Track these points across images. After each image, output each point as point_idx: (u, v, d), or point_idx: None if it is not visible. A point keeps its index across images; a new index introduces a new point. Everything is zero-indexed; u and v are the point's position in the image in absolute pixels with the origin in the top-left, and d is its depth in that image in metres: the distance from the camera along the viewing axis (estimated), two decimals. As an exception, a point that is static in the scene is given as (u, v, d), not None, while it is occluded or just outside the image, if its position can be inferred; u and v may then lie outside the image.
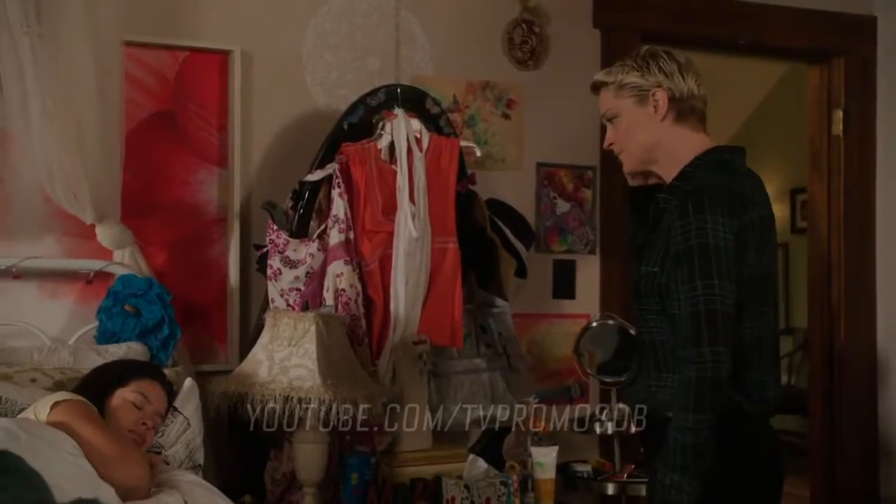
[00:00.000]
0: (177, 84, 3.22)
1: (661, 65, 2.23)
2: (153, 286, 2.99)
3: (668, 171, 2.28)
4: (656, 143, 2.26)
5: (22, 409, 2.49)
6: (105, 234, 3.02)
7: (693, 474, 2.10)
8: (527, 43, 3.75)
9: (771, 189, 7.72)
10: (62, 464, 2.14)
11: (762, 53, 4.49)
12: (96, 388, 2.59)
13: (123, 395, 2.56)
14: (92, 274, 3.04)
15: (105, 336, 2.98)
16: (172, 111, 3.21)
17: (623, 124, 2.28)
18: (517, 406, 3.41)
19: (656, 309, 2.24)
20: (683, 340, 2.11)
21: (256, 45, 3.32)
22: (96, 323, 3.00)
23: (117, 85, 2.90)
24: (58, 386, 2.70)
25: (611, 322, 3.64)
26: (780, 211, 8.42)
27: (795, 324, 7.81)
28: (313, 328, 2.84)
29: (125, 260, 3.06)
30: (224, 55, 3.26)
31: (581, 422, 3.58)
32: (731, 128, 8.73)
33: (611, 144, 2.34)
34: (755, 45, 4.23)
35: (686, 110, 2.25)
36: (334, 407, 2.78)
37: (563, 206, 3.82)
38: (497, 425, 3.43)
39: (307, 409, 2.77)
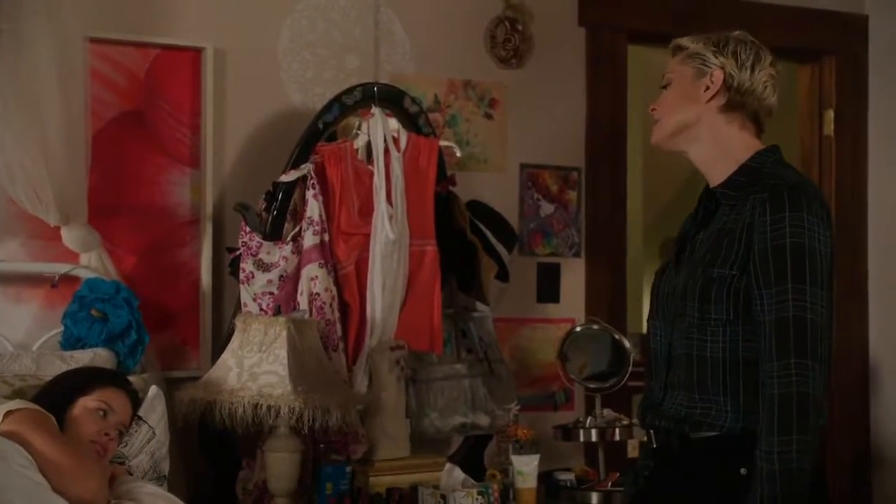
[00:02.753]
0: (147, 82, 3.13)
1: (739, 50, 2.10)
2: (120, 290, 2.90)
3: (708, 160, 2.13)
4: (694, 123, 2.12)
5: (-24, 419, 2.39)
6: (71, 237, 2.93)
7: None
8: (510, 41, 3.67)
9: (764, 191, 7.57)
10: (12, 476, 2.05)
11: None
12: (57, 396, 2.50)
13: (86, 404, 2.47)
14: (57, 277, 2.95)
15: (70, 342, 2.89)
16: (143, 110, 3.13)
17: (672, 93, 2.15)
18: (498, 413, 3.34)
19: (725, 318, 1.99)
20: (767, 352, 1.91)
21: (230, 43, 3.24)
22: (61, 328, 2.91)
23: (82, 83, 2.81)
24: (17, 394, 2.60)
25: (596, 327, 3.57)
26: (774, 214, 8.35)
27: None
28: (284, 333, 2.77)
29: (92, 263, 2.97)
30: (196, 52, 3.18)
31: (565, 429, 3.50)
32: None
33: (653, 109, 2.20)
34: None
35: (737, 104, 2.10)
36: (305, 414, 2.70)
37: (547, 208, 3.74)
38: (478, 433, 3.36)
39: (277, 416, 2.69)
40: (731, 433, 1.98)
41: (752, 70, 2.10)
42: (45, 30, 2.69)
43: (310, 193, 3.05)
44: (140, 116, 3.12)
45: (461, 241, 3.31)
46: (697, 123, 2.12)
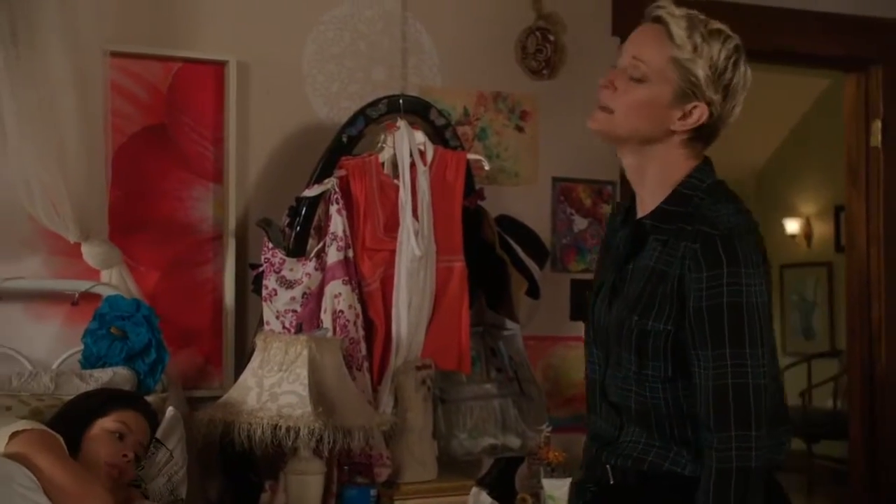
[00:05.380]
0: (170, 96, 3.08)
1: (729, 80, 1.79)
2: (141, 308, 2.85)
3: (647, 184, 1.88)
4: (650, 142, 1.83)
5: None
6: (91, 254, 2.89)
7: None
8: (541, 52, 3.58)
9: (814, 206, 7.55)
10: (15, 499, 2.00)
11: (794, 63, 4.29)
12: (75, 417, 2.45)
13: (103, 426, 2.42)
14: (77, 295, 2.90)
15: (90, 360, 2.84)
16: (165, 124, 3.08)
17: (642, 95, 1.80)
18: (530, 434, 3.25)
19: (663, 375, 1.82)
20: (705, 418, 1.74)
21: (254, 56, 3.18)
22: (82, 347, 2.86)
23: (101, 97, 2.77)
24: (34, 414, 2.56)
25: (631, 345, 3.45)
26: (823, 229, 8.19)
27: (840, 346, 7.53)
28: (305, 352, 2.71)
29: (112, 280, 2.92)
30: (219, 66, 3.13)
31: (600, 451, 3.38)
32: (772, 142, 8.50)
33: (609, 87, 1.86)
34: (786, 54, 4.02)
35: (705, 135, 1.85)
36: (326, 436, 2.63)
37: (580, 223, 3.64)
38: (509, 455, 3.27)
39: (297, 438, 2.62)
40: (693, 475, 1.81)
41: (736, 100, 1.84)
42: (62, 44, 2.66)
43: (333, 208, 2.99)
44: (163, 131, 3.08)
45: (490, 256, 3.22)
46: (654, 144, 1.84)
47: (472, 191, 3.21)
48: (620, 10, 3.69)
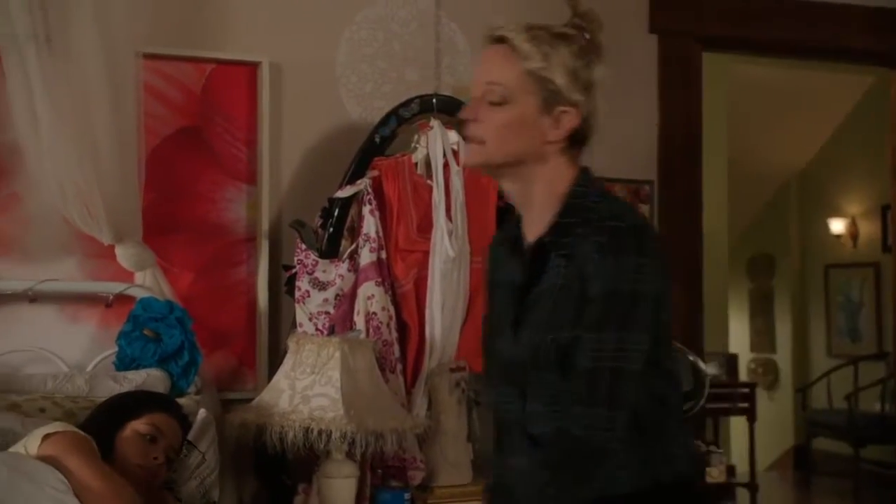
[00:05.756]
0: (203, 98, 3.08)
1: (590, 78, 1.75)
2: (174, 310, 2.85)
3: (535, 204, 1.78)
4: (528, 161, 1.74)
5: (25, 441, 2.34)
6: (125, 255, 2.89)
7: None
8: (579, 51, 3.53)
9: (860, 206, 7.42)
10: (45, 501, 2.00)
11: (837, 58, 4.20)
12: (107, 420, 2.45)
13: (135, 428, 2.41)
14: (111, 297, 2.91)
15: (124, 362, 2.85)
16: (199, 126, 3.08)
17: (508, 116, 1.71)
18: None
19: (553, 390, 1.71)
20: (577, 396, 1.65)
21: (287, 56, 3.17)
22: (116, 348, 2.86)
23: (133, 99, 2.77)
24: (68, 416, 2.57)
25: (670, 347, 3.39)
26: (869, 228, 8.04)
27: (887, 348, 7.38)
28: (338, 354, 2.68)
29: (146, 282, 2.92)
30: (252, 67, 3.12)
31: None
32: (816, 141, 8.37)
33: (473, 121, 1.75)
34: (829, 49, 3.94)
35: (580, 140, 1.79)
36: (358, 439, 2.61)
37: (618, 223, 3.58)
38: None
39: (329, 441, 2.60)
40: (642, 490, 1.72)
41: (595, 100, 1.78)
42: (94, 46, 2.66)
43: (366, 209, 2.97)
44: (196, 132, 3.08)
45: (525, 258, 3.17)
46: (535, 163, 1.75)
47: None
48: (658, 6, 3.64)
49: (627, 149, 3.59)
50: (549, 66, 1.71)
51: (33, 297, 2.85)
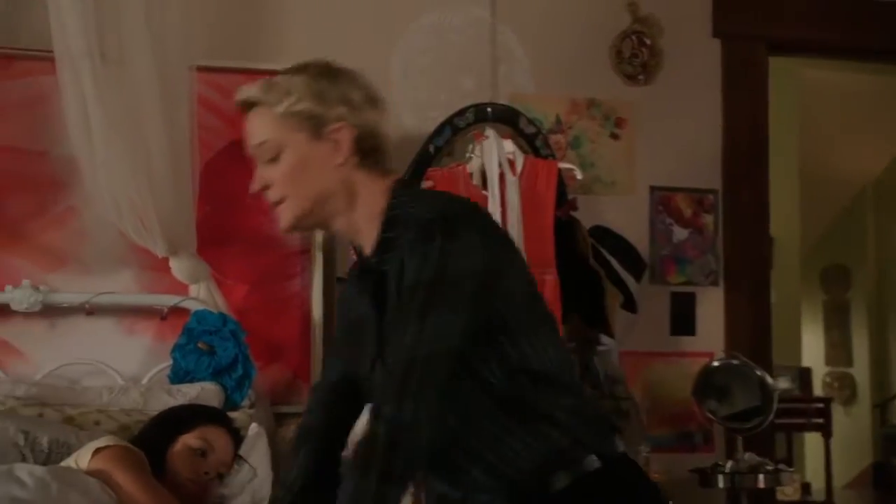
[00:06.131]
0: (258, 110, 3.06)
1: (342, 90, 1.68)
2: (227, 322, 2.84)
3: (359, 229, 1.70)
4: (333, 192, 1.67)
5: (78, 454, 2.35)
6: (179, 268, 2.89)
7: None
8: (637, 56, 3.46)
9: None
10: (91, 516, 1.99)
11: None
12: (158, 433, 2.43)
13: (186, 442, 2.39)
14: (166, 310, 2.91)
15: (179, 375, 2.84)
16: (252, 138, 3.06)
17: (290, 163, 1.66)
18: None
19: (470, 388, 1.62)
20: (382, 390, 1.57)
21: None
22: (171, 361, 2.86)
23: (187, 112, 2.77)
24: (123, 429, 2.57)
25: (736, 362, 3.30)
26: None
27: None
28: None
29: (200, 294, 2.92)
30: (306, 78, 3.10)
31: (702, 473, 3.22)
32: (890, 149, 8.11)
33: (264, 188, 1.70)
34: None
35: (373, 151, 1.70)
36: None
37: (680, 234, 3.49)
38: None
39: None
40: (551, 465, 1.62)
41: (372, 107, 1.71)
42: (148, 60, 2.67)
43: (420, 221, 2.91)
44: (250, 145, 3.06)
45: (583, 269, 3.10)
46: (339, 193, 1.67)
47: (563, 201, 3.09)
48: (721, 10, 3.55)
49: (690, 157, 3.51)
50: (295, 100, 1.66)
51: (90, 310, 2.86)
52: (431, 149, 2.99)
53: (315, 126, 1.66)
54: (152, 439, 2.40)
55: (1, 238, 2.86)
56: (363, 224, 1.68)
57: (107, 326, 2.95)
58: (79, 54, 2.62)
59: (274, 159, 1.68)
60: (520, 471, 1.60)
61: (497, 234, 1.64)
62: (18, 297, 2.79)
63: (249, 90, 1.70)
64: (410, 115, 3.23)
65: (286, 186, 1.67)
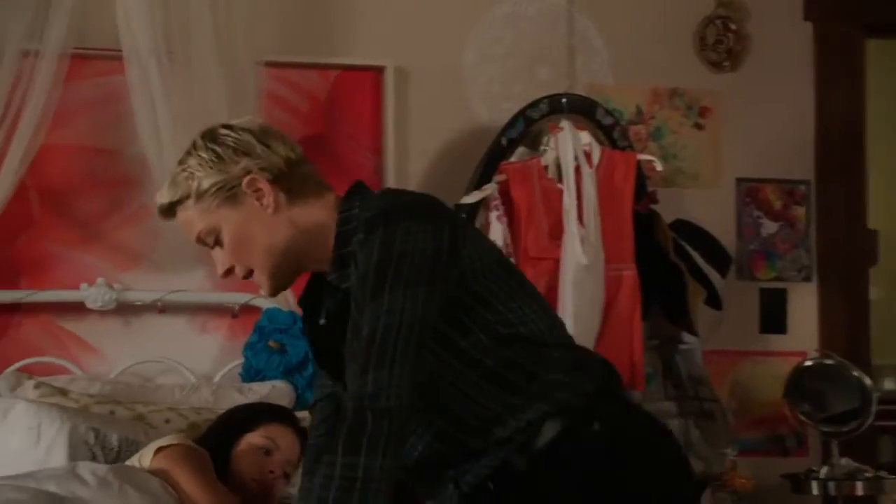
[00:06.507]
0: (328, 105, 3.04)
1: (233, 144, 1.63)
2: (297, 320, 2.80)
3: (322, 259, 1.64)
4: (286, 239, 1.63)
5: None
6: (249, 265, 2.86)
7: None
8: (722, 42, 3.32)
9: None
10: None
11: None
12: (223, 433, 2.40)
13: (250, 441, 2.35)
14: (237, 307, 2.90)
15: (250, 374, 2.83)
16: (323, 134, 3.04)
17: (233, 240, 1.63)
18: (713, 458, 3.00)
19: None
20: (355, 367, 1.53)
21: (412, 60, 3.10)
22: (242, 360, 2.84)
23: (254, 109, 2.74)
24: (192, 427, 2.55)
25: (830, 361, 3.14)
26: None
27: None
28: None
29: (272, 292, 2.89)
30: (377, 72, 3.06)
31: (795, 479, 3.07)
32: None
33: (229, 271, 1.68)
34: None
35: (297, 182, 1.65)
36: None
37: (769, 227, 3.34)
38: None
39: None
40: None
41: (267, 146, 1.63)
42: (215, 57, 2.66)
43: (493, 216, 2.85)
44: (321, 140, 3.04)
45: (664, 264, 2.98)
46: (287, 238, 1.63)
47: (643, 194, 2.98)
48: (813, -8, 3.38)
49: (779, 146, 3.36)
50: (198, 182, 1.63)
51: (162, 308, 2.86)
52: (504, 142, 2.91)
53: (229, 192, 1.62)
54: (216, 439, 2.37)
55: (76, 237, 2.88)
56: (325, 253, 1.63)
57: (180, 324, 2.95)
58: (145, 52, 2.62)
59: (218, 242, 1.67)
60: (506, 428, 1.55)
61: (445, 217, 1.58)
62: (93, 296, 2.81)
63: (161, 198, 1.69)
64: (484, 107, 3.16)
65: (242, 260, 1.65)
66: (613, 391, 1.64)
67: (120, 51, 2.67)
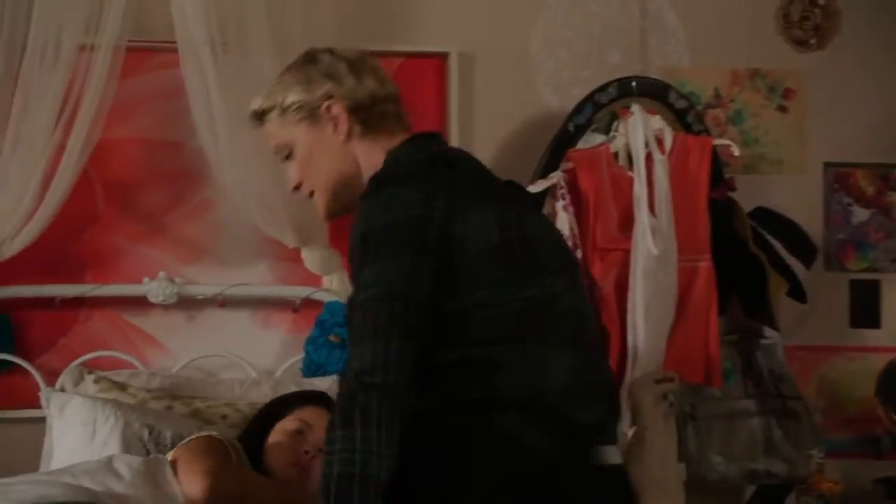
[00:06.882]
0: (392, 94, 2.96)
1: (326, 69, 1.69)
2: (358, 314, 2.74)
3: None
4: (349, 171, 1.68)
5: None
6: (311, 259, 2.82)
7: None
8: (808, 19, 3.14)
9: None
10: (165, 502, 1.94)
11: None
12: (256, 427, 2.35)
13: (283, 427, 2.27)
14: (298, 301, 2.85)
15: (311, 368, 2.77)
16: (387, 123, 2.96)
17: (304, 156, 1.70)
18: (798, 460, 2.85)
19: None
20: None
21: (477, 45, 3.00)
22: (303, 354, 2.80)
23: (313, 98, 2.69)
24: (246, 421, 2.50)
25: (927, 357, 2.94)
26: None
27: None
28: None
29: (333, 286, 2.84)
30: (441, 58, 2.97)
31: (889, 484, 2.89)
32: None
33: (297, 186, 1.75)
34: None
35: (376, 118, 1.69)
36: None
37: (861, 215, 3.15)
38: (773, 483, 2.89)
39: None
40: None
41: (358, 77, 1.69)
42: (270, 47, 2.61)
43: (559, 205, 2.74)
44: (384, 130, 2.96)
45: (743, 255, 2.83)
46: (349, 169, 1.68)
47: (719, 181, 2.84)
48: (907, -39, 3.16)
49: (871, 129, 3.20)
50: (283, 98, 1.71)
51: (223, 302, 2.84)
52: (571, 128, 2.80)
53: (309, 112, 1.69)
54: (250, 434, 2.31)
55: (139, 230, 2.88)
56: None
57: (242, 318, 2.91)
58: (200, 44, 2.58)
59: (290, 157, 1.73)
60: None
61: (441, 185, 1.53)
62: (154, 290, 2.79)
63: (253, 104, 1.78)
64: (552, 93, 3.05)
65: (307, 178, 1.73)
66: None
67: (175, 42, 2.65)
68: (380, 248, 1.47)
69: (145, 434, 2.35)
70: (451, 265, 1.48)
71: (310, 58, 1.72)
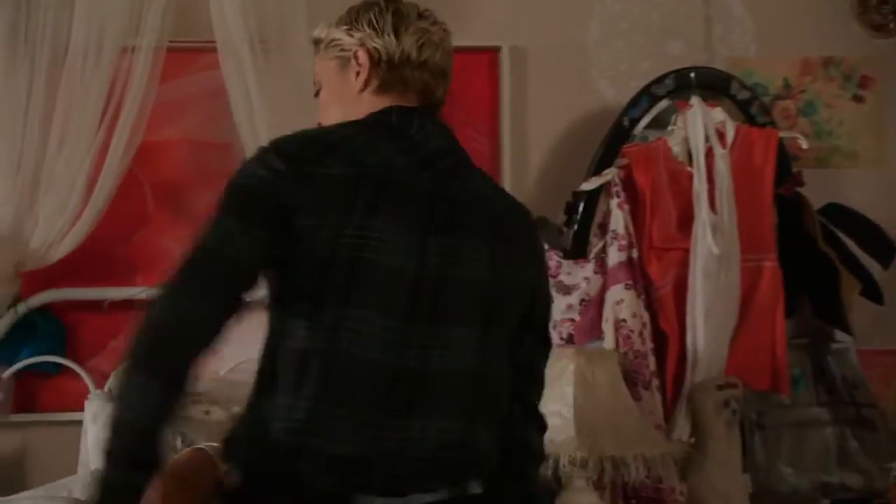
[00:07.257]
0: (442, 89, 2.89)
1: (372, 17, 1.63)
2: (405, 317, 2.68)
3: None
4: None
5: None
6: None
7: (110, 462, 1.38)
8: (886, 2, 3.03)
9: None
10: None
11: None
12: None
13: None
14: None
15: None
16: (437, 120, 2.90)
17: (325, 96, 1.67)
18: (875, 472, 2.70)
19: None
20: None
21: (530, 39, 2.93)
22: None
23: (355, 97, 2.64)
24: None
25: None
26: None
27: None
28: (572, 367, 2.42)
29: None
30: (493, 53, 2.90)
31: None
32: None
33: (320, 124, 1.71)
34: None
35: (394, 80, 1.60)
36: (590, 465, 2.28)
37: (944, 211, 2.97)
38: (848, 496, 2.75)
39: (558, 467, 2.30)
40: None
41: (397, 34, 1.61)
42: (310, 43, 2.55)
43: (613, 202, 2.66)
44: (435, 127, 2.90)
45: (813, 253, 2.68)
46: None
47: (786, 175, 2.70)
48: None
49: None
50: (329, 33, 1.68)
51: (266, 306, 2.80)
52: (626, 122, 2.70)
53: (341, 53, 1.65)
54: None
55: (188, 232, 2.85)
56: None
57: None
58: (239, 42, 2.57)
59: (318, 93, 1.71)
60: None
61: (300, 158, 1.52)
62: (203, 292, 2.78)
63: (315, 31, 1.74)
64: (609, 87, 2.95)
65: (320, 119, 1.69)
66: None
67: (214, 42, 2.63)
68: (215, 208, 1.53)
69: (178, 442, 2.33)
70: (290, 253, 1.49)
71: (367, 4, 1.67)
